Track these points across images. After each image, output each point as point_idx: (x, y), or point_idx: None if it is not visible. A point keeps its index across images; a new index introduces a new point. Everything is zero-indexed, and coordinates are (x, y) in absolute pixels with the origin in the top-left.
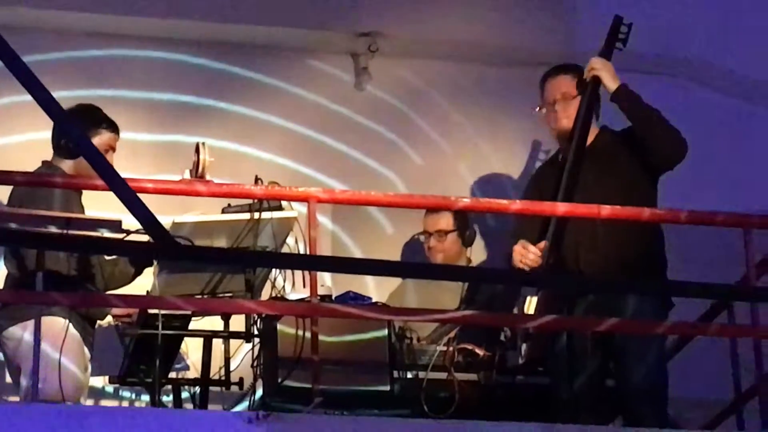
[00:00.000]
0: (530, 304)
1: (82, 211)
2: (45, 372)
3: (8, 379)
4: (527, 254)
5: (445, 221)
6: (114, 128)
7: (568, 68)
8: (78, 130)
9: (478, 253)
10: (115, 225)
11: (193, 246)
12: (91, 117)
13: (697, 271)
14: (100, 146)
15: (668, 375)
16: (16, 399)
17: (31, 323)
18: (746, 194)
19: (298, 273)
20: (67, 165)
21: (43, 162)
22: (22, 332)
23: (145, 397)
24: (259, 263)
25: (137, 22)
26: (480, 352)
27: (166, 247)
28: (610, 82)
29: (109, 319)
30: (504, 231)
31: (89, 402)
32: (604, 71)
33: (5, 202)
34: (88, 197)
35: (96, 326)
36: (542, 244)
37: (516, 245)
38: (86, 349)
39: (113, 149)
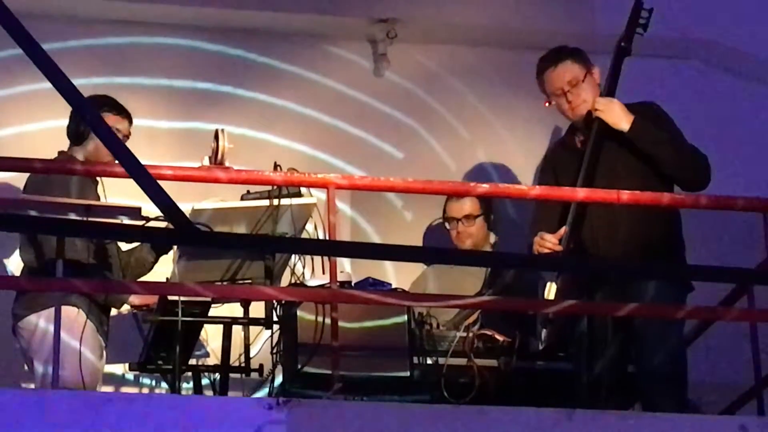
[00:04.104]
0: (550, 290)
1: (98, 200)
2: (63, 360)
3: (26, 367)
4: (544, 243)
5: (472, 205)
6: (120, 111)
7: (565, 54)
8: (98, 117)
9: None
10: (135, 212)
11: (213, 232)
12: (95, 102)
13: (718, 256)
14: None
15: (688, 359)
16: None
17: (46, 312)
18: (766, 178)
19: (318, 259)
20: (82, 154)
21: (60, 152)
22: (37, 320)
23: (165, 384)
24: (279, 249)
25: (155, 9)
26: (500, 337)
27: (185, 234)
28: (620, 123)
29: (126, 307)
30: (521, 215)
31: (109, 389)
32: (609, 113)
33: (21, 188)
34: (107, 184)
35: (111, 314)
36: (562, 230)
37: (535, 237)
38: (101, 338)
39: (119, 131)
